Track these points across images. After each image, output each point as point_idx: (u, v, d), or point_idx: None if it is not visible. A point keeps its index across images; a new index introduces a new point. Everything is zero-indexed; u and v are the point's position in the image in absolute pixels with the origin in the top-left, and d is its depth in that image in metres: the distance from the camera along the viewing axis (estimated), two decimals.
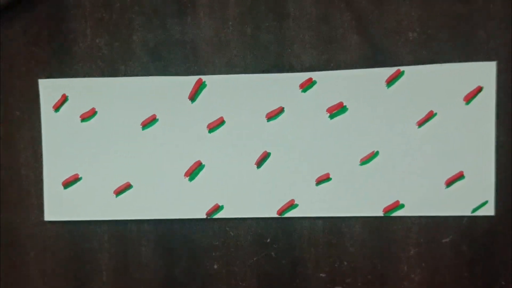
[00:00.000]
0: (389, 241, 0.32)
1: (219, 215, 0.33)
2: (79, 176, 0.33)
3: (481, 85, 0.32)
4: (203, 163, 0.33)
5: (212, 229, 0.33)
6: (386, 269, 0.32)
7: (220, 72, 0.32)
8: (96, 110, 0.33)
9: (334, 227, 0.33)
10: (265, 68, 0.32)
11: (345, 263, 0.30)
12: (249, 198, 0.33)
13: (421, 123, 0.32)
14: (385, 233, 0.32)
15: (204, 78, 0.32)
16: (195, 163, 0.33)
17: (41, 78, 0.33)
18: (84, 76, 0.33)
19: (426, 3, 0.31)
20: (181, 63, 0.32)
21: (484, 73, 0.31)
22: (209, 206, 0.32)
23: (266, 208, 0.32)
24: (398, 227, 0.32)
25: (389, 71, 0.32)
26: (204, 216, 0.33)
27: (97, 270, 0.33)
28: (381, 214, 0.32)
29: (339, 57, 0.32)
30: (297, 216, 0.32)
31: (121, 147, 0.33)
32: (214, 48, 0.32)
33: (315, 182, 0.33)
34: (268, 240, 0.32)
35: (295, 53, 0.32)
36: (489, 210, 0.32)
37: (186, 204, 0.33)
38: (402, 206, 0.32)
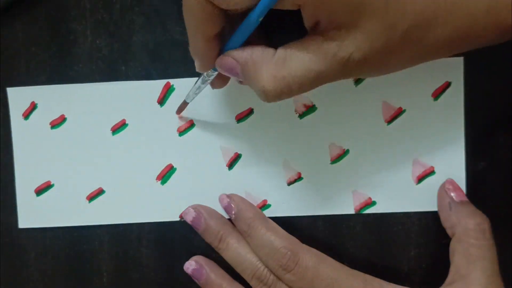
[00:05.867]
0: (389, 241, 0.32)
1: None
2: (52, 183, 0.33)
3: (449, 80, 0.32)
4: (174, 166, 0.33)
5: None
6: (386, 269, 0.32)
7: None
8: (66, 116, 0.33)
9: (334, 227, 0.33)
10: None
11: (345, 263, 0.30)
12: None
13: (389, 120, 0.32)
14: (385, 233, 0.32)
15: (172, 81, 0.32)
16: (166, 166, 0.33)
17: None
18: (85, 78, 0.33)
19: None
20: (181, 64, 0.32)
21: (452, 68, 0.31)
22: (183, 208, 0.32)
23: None
24: (398, 227, 0.32)
25: None
26: (178, 219, 0.33)
27: (97, 271, 0.33)
28: (352, 212, 0.32)
29: None
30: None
31: (92, 153, 0.33)
32: None
33: (287, 182, 0.33)
34: None
35: None
36: None
37: (159, 207, 0.33)
38: (374, 203, 0.32)
